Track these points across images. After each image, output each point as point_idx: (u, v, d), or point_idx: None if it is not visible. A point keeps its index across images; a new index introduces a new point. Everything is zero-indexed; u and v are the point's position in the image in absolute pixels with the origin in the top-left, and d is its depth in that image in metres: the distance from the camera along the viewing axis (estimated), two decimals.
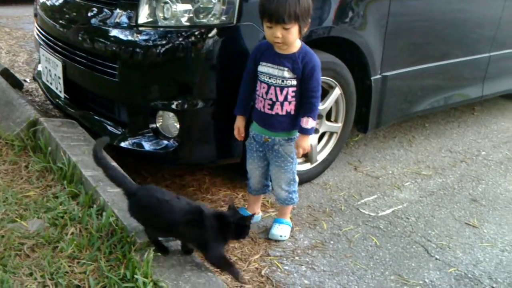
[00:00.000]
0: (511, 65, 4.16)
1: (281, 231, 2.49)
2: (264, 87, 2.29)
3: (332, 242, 2.53)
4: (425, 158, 3.56)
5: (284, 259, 2.35)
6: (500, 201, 3.04)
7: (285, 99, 2.26)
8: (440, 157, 3.60)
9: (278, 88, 2.26)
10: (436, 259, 2.44)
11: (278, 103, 2.27)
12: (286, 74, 2.24)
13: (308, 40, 2.64)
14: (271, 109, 2.29)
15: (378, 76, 3.10)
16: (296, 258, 2.37)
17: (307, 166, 3.01)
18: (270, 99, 2.28)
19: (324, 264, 2.34)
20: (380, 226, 2.68)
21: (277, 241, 2.48)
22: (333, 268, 2.31)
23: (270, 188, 2.56)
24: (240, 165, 2.63)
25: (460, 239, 2.62)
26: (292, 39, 2.17)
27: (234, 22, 2.40)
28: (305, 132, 2.28)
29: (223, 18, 2.38)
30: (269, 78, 2.27)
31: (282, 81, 2.24)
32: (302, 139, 2.30)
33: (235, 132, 2.43)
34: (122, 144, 2.58)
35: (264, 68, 2.29)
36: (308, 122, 2.25)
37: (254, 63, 2.32)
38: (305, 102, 2.26)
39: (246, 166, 2.52)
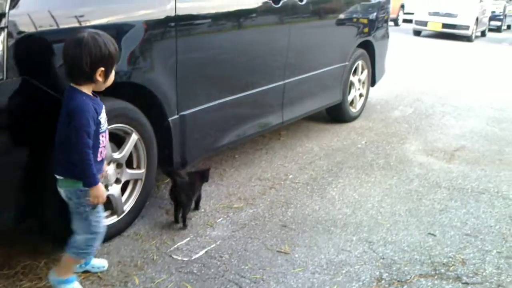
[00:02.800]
0: (305, 89, 4.39)
1: None
2: (105, 135, 2.25)
3: None
4: (236, 190, 3.58)
5: None
6: (308, 223, 3.15)
7: None
8: (250, 186, 3.65)
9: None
10: None
11: None
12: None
13: None
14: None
15: (176, 117, 3.05)
16: None
17: (114, 218, 2.84)
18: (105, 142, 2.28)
19: None
20: (194, 271, 2.59)
21: None
22: None
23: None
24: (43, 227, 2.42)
25: (274, 269, 2.64)
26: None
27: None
28: None
29: None
30: (106, 122, 2.26)
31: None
32: None
33: (104, 199, 2.22)
34: None
35: (102, 117, 2.22)
36: None
37: (94, 121, 2.13)
38: None
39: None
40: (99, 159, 2.23)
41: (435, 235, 3.05)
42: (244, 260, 2.70)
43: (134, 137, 2.81)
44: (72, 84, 2.14)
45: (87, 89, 2.15)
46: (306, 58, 4.36)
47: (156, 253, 2.74)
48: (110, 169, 2.71)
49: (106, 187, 2.72)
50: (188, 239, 2.90)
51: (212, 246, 2.83)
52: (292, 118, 4.37)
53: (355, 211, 3.33)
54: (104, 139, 2.25)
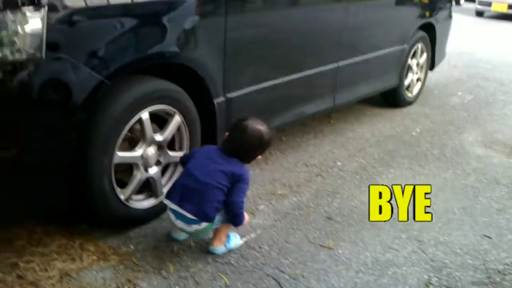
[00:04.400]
0: (359, 72, 4.18)
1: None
2: None
3: (177, 287, 2.30)
4: (281, 175, 3.45)
5: None
6: (355, 216, 2.99)
7: None
8: (295, 172, 3.51)
9: None
10: None
11: None
12: None
13: (139, 67, 2.44)
14: None
15: (222, 99, 2.93)
16: None
17: (152, 201, 2.76)
18: None
19: None
20: (231, 262, 2.49)
21: None
22: None
23: None
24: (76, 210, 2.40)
25: (315, 265, 2.51)
26: None
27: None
28: None
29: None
30: None
31: None
32: None
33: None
34: None
35: None
36: None
37: None
38: None
39: None
40: None
41: (490, 238, 2.84)
42: (284, 253, 2.58)
43: (177, 119, 2.71)
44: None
45: None
46: (363, 39, 4.14)
47: (194, 240, 2.65)
48: (150, 151, 2.62)
49: (146, 169, 2.64)
50: None
51: (252, 235, 2.72)
52: (344, 102, 4.19)
53: None
54: None
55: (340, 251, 2.64)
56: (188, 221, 2.37)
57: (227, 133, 2.52)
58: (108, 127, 2.38)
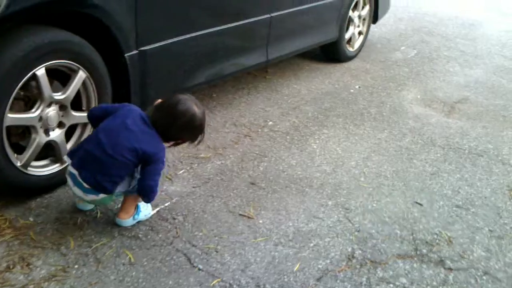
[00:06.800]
0: (295, 24, 3.93)
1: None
2: None
3: (76, 266, 2.07)
4: (207, 136, 3.14)
5: None
6: (281, 181, 2.80)
7: None
8: (223, 133, 3.28)
9: None
10: (199, 269, 2.11)
11: None
12: None
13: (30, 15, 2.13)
14: None
15: (134, 52, 2.63)
16: None
17: (56, 167, 2.48)
18: None
19: None
20: (139, 235, 2.27)
21: None
22: None
23: None
24: None
25: (232, 237, 2.31)
26: None
27: None
28: None
29: None
30: None
31: None
32: None
33: None
34: None
35: None
36: None
37: None
38: None
39: None
40: None
41: (421, 205, 2.70)
42: (199, 224, 2.37)
43: (82, 75, 2.42)
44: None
45: None
46: None
47: (101, 210, 2.40)
48: (50, 112, 2.33)
49: (47, 131, 2.35)
50: None
51: (166, 204, 2.50)
52: (279, 56, 3.94)
53: (336, 170, 2.97)
54: None
55: (260, 221, 2.45)
56: (85, 190, 2.12)
57: (159, 101, 2.24)
58: None
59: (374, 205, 2.66)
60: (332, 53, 4.81)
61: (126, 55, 2.58)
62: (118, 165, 2.08)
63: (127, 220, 2.29)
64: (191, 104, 2.16)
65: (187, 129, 2.19)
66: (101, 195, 2.12)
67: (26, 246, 2.15)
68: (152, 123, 2.15)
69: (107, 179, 2.07)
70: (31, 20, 2.19)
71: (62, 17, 2.33)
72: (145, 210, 2.35)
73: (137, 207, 2.32)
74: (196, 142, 2.28)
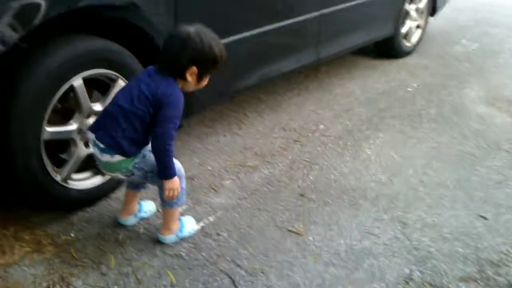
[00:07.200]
0: (347, 20, 3.73)
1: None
2: None
3: (116, 287, 1.97)
4: (254, 143, 3.07)
5: None
6: (332, 192, 2.63)
7: None
8: (271, 138, 3.13)
9: None
10: None
11: None
12: None
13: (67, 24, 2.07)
14: None
15: None
16: None
17: (98, 180, 2.40)
18: None
19: None
20: (181, 253, 2.15)
21: None
22: None
23: None
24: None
25: (279, 256, 2.16)
26: None
27: None
28: None
29: None
30: None
31: None
32: None
33: (177, 194, 2.05)
34: None
35: None
36: None
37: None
38: None
39: None
40: None
41: (486, 219, 2.47)
42: (244, 241, 2.23)
43: (121, 84, 2.32)
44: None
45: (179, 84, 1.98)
46: None
47: (144, 225, 2.31)
48: (89, 123, 2.24)
49: (87, 144, 2.27)
50: (185, 207, 2.43)
51: (210, 219, 2.38)
52: (330, 55, 3.74)
53: (392, 179, 2.77)
54: None
55: (310, 238, 2.29)
56: (101, 149, 1.99)
57: None
58: (29, 99, 1.99)
59: (434, 219, 2.45)
60: (388, 48, 4.57)
61: None
62: (128, 116, 1.92)
63: (169, 237, 2.18)
64: (188, 27, 1.95)
65: (189, 49, 1.91)
66: (116, 157, 1.98)
67: (67, 264, 2.07)
68: (160, 64, 1.97)
69: (120, 134, 1.93)
70: (66, 29, 2.10)
71: (97, 24, 2.23)
72: (189, 225, 2.24)
73: (180, 222, 2.21)
74: (215, 69, 2.00)
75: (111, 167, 2.03)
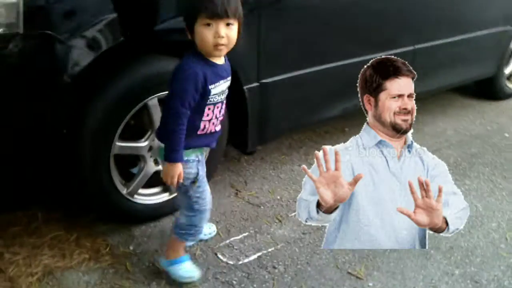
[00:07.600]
0: (444, 57, 3.54)
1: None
2: (218, 107, 1.89)
3: None
4: None
5: None
6: None
7: None
8: None
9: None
10: None
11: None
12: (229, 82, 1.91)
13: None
14: (219, 124, 1.95)
15: (255, 85, 2.50)
16: None
17: (164, 197, 2.43)
18: (222, 114, 1.93)
19: None
20: (233, 282, 2.11)
21: None
22: None
23: None
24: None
25: None
26: (235, 39, 1.78)
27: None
28: None
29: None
30: (223, 94, 1.89)
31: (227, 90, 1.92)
32: None
33: (175, 181, 1.84)
34: None
35: (217, 89, 1.84)
36: None
37: (198, 92, 1.78)
38: None
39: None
40: (199, 132, 1.87)
41: None
42: (300, 278, 2.16)
43: None
44: None
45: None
46: (450, 17, 3.47)
47: (202, 247, 2.29)
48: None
49: (157, 161, 2.31)
50: (246, 234, 2.41)
51: (269, 249, 2.32)
52: (423, 92, 3.55)
53: (472, 231, 2.57)
54: (211, 112, 1.86)
55: (370, 283, 2.16)
56: None
57: None
58: (102, 114, 2.06)
59: None
60: (488, 89, 4.31)
61: (245, 87, 2.45)
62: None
63: (163, 260, 2.10)
64: None
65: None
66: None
67: (119, 276, 2.11)
68: None
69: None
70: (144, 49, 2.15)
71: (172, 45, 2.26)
72: (185, 273, 2.08)
73: (177, 266, 2.07)
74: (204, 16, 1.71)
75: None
